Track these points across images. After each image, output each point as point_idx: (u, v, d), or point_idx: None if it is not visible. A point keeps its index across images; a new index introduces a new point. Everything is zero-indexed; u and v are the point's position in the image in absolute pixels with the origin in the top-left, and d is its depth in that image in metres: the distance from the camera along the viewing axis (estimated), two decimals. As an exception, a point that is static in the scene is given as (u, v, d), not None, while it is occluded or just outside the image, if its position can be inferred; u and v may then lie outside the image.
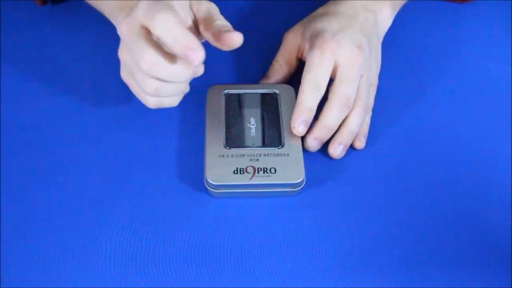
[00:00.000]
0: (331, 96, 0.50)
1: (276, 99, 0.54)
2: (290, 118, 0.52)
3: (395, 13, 0.57)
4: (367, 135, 0.53)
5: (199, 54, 0.41)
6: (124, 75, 0.48)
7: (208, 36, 0.46)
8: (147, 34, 0.44)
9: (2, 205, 0.48)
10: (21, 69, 0.58)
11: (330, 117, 0.50)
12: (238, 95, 0.54)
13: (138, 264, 0.45)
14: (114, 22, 0.52)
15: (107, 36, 0.61)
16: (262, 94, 0.54)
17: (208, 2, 0.47)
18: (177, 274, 0.44)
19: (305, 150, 0.51)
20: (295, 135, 0.50)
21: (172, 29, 0.41)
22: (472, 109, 0.56)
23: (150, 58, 0.43)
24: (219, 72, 0.58)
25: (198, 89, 0.55)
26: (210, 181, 0.47)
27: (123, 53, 0.47)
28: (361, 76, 0.51)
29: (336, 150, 0.51)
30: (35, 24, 0.63)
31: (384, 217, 0.48)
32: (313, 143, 0.51)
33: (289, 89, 0.55)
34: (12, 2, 0.65)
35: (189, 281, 0.44)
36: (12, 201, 0.48)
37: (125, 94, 0.53)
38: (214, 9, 0.47)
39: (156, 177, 0.50)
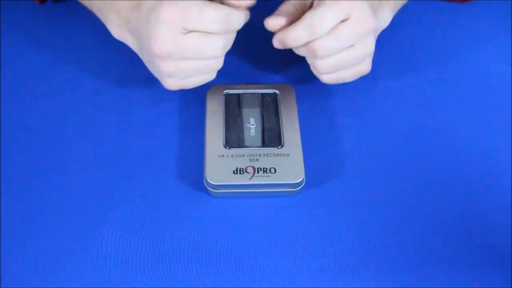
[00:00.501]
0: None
1: (276, 99, 0.54)
2: (290, 118, 0.52)
3: (394, 14, 0.57)
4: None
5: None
6: (177, 84, 0.49)
7: None
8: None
9: (2, 205, 0.48)
10: (21, 69, 0.58)
11: (320, 23, 0.47)
12: (238, 95, 0.54)
13: (138, 264, 0.45)
14: (105, 24, 0.52)
15: (107, 35, 0.61)
16: (262, 94, 0.54)
17: None
18: (177, 274, 0.44)
19: (305, 150, 0.51)
20: (295, 135, 0.50)
21: (215, 11, 0.44)
22: (472, 109, 0.56)
23: (213, 14, 0.44)
24: (219, 72, 0.58)
25: (198, 89, 0.55)
26: (210, 181, 0.47)
27: (173, 67, 0.47)
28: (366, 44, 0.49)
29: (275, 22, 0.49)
30: (35, 24, 0.63)
31: (384, 217, 0.48)
32: (278, 37, 0.49)
33: (289, 89, 0.55)
34: (12, 2, 0.65)
35: (189, 281, 0.44)
36: (12, 201, 0.48)
37: (125, 94, 0.54)
38: None
39: (156, 177, 0.50)
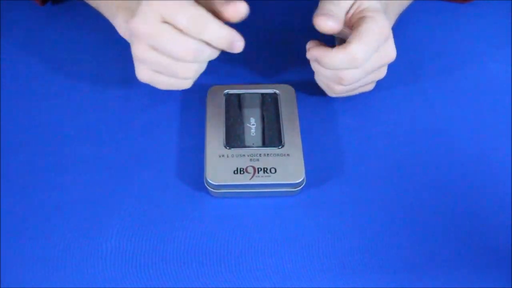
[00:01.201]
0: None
1: (276, 99, 0.54)
2: (290, 118, 0.52)
3: (396, 18, 0.57)
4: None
5: (243, 42, 0.44)
6: (146, 75, 0.48)
7: (211, 8, 0.45)
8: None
9: (2, 205, 0.48)
10: (21, 69, 0.58)
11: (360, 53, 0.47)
12: (238, 95, 0.54)
13: (138, 264, 0.45)
14: (112, 22, 0.52)
15: (107, 35, 0.61)
16: (262, 94, 0.54)
17: None
18: (177, 274, 0.44)
19: (305, 150, 0.51)
20: (295, 135, 0.50)
21: (214, 29, 0.44)
22: (472, 109, 0.56)
23: (193, 13, 0.43)
24: (219, 72, 0.58)
25: (198, 89, 0.55)
26: (210, 181, 0.47)
27: (143, 52, 0.46)
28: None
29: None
30: (35, 24, 0.63)
31: (384, 217, 0.48)
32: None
33: (289, 89, 0.55)
34: (12, 2, 0.65)
35: (189, 281, 0.44)
36: (12, 201, 0.48)
37: (125, 94, 0.54)
38: None
39: (156, 177, 0.50)
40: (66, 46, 0.61)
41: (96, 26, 0.62)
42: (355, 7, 0.50)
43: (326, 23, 0.48)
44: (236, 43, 0.45)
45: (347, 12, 0.50)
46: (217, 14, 0.45)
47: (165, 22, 0.44)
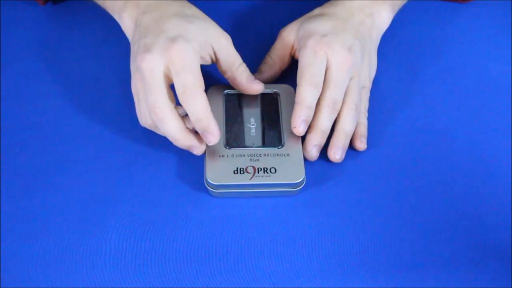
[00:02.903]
0: (319, 100, 0.50)
1: (276, 99, 0.54)
2: (290, 118, 0.52)
3: (394, 14, 0.57)
4: (366, 136, 0.53)
5: (216, 138, 0.47)
6: (133, 89, 0.50)
7: (229, 80, 0.51)
8: (167, 80, 0.47)
9: (2, 205, 0.48)
10: (21, 69, 0.58)
11: (322, 120, 0.50)
12: (238, 95, 0.54)
13: (138, 264, 0.45)
14: (116, 17, 0.52)
15: (107, 35, 0.61)
16: (262, 94, 0.54)
17: (227, 40, 0.50)
18: (177, 274, 0.44)
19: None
20: (295, 135, 0.50)
21: (197, 106, 0.46)
22: (472, 109, 0.56)
23: (160, 109, 0.46)
24: (219, 72, 0.58)
25: (198, 89, 0.55)
26: (210, 181, 0.47)
27: (135, 80, 0.49)
28: (351, 78, 0.51)
29: (337, 153, 0.50)
30: (35, 24, 0.63)
31: (384, 217, 0.48)
32: (313, 150, 0.50)
33: (289, 89, 0.55)
34: (12, 2, 0.65)
35: (189, 281, 0.44)
36: (12, 201, 0.48)
37: (125, 94, 0.53)
38: (232, 50, 0.50)
39: (156, 177, 0.50)
40: (66, 46, 0.61)
41: (96, 26, 0.62)
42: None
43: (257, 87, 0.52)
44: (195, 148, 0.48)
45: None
46: (237, 85, 0.51)
47: (166, 74, 0.47)
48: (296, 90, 0.50)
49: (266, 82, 0.55)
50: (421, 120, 0.55)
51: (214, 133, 0.46)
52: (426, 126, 0.55)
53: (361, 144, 0.52)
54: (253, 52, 0.59)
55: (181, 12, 0.49)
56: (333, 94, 0.50)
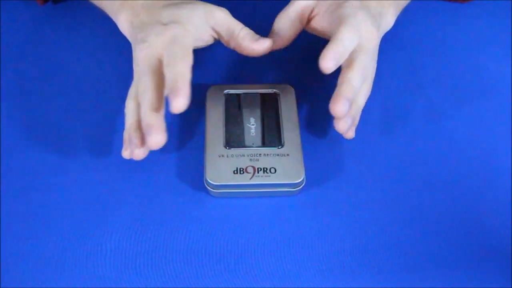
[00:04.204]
0: (353, 63, 0.47)
1: (276, 99, 0.54)
2: (290, 118, 0.52)
3: (397, 16, 0.57)
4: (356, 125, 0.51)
5: (184, 100, 0.42)
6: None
7: (236, 48, 0.49)
8: (160, 68, 0.45)
9: (2, 205, 0.48)
10: (21, 69, 0.58)
11: (355, 77, 0.47)
12: (238, 95, 0.54)
13: (138, 264, 0.45)
14: (113, 19, 0.53)
15: (107, 35, 0.61)
16: (262, 94, 0.54)
17: (223, 12, 0.49)
18: (177, 274, 0.44)
19: (305, 150, 0.51)
20: (295, 135, 0.50)
21: (177, 69, 0.43)
22: (472, 109, 0.56)
23: (149, 97, 0.44)
24: (219, 72, 0.58)
25: (198, 89, 0.55)
26: (210, 181, 0.47)
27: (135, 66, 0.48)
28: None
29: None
30: (35, 24, 0.63)
31: (384, 217, 0.48)
32: (345, 105, 0.45)
33: (289, 89, 0.55)
34: (12, 2, 0.65)
35: (189, 281, 0.44)
36: (12, 201, 0.48)
37: (125, 94, 0.53)
38: (230, 19, 0.49)
39: (156, 177, 0.50)
40: (66, 46, 0.61)
41: (96, 26, 0.62)
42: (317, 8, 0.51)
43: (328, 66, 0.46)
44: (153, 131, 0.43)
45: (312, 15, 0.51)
46: (239, 48, 0.49)
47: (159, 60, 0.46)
48: (335, 33, 0.46)
49: (275, 50, 0.51)
50: (421, 120, 0.55)
51: (183, 94, 0.42)
52: (426, 126, 0.55)
53: (351, 133, 0.49)
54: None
55: (172, 2, 0.49)
56: (365, 60, 0.48)
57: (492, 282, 0.44)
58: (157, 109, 0.44)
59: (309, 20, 0.53)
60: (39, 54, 0.60)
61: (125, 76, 0.52)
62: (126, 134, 0.47)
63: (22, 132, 0.53)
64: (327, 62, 0.44)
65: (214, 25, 0.49)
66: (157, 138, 0.42)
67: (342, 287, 0.44)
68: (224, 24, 0.49)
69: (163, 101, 0.45)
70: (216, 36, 0.50)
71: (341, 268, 0.45)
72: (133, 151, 0.45)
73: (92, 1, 0.56)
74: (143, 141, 0.45)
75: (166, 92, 0.43)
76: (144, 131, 0.43)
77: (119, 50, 0.59)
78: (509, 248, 0.46)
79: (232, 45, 0.50)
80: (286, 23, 0.52)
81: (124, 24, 0.51)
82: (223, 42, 0.50)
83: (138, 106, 0.46)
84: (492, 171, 0.51)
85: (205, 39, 0.49)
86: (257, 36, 0.49)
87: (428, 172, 0.51)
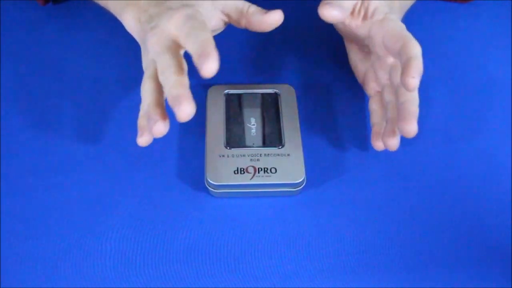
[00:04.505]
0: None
1: (276, 99, 0.54)
2: (290, 118, 0.52)
3: (402, 18, 0.56)
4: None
5: (193, 108, 0.41)
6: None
7: (247, 25, 0.48)
8: (176, 48, 0.44)
9: (2, 205, 0.48)
10: (21, 69, 0.58)
11: (416, 93, 0.47)
12: (238, 95, 0.54)
13: (138, 264, 0.45)
14: (120, 18, 0.52)
15: (107, 36, 0.61)
16: (262, 94, 0.54)
17: None
18: (177, 274, 0.44)
19: (305, 150, 0.51)
20: (295, 135, 0.50)
21: (201, 37, 0.42)
22: (472, 109, 0.56)
23: (174, 71, 0.43)
24: (219, 72, 0.58)
25: (198, 89, 0.55)
26: (210, 181, 0.47)
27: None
28: None
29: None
30: (35, 24, 0.63)
31: (384, 217, 0.48)
32: (416, 125, 0.45)
33: (289, 89, 0.55)
34: (12, 2, 0.65)
35: (189, 281, 0.44)
36: (12, 201, 0.48)
37: (126, 94, 0.53)
38: (238, 2, 0.48)
39: (156, 177, 0.50)
40: (66, 46, 0.61)
41: (97, 26, 0.62)
42: (364, 5, 0.50)
43: (330, 12, 0.47)
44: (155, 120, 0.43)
45: (357, 10, 0.50)
46: (251, 24, 0.48)
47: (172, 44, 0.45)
48: (410, 44, 0.46)
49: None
50: (421, 120, 0.55)
51: (214, 58, 0.41)
52: (426, 126, 0.55)
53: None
54: (254, 52, 0.59)
55: None
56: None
57: (492, 282, 0.44)
58: (183, 82, 0.42)
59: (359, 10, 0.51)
60: (39, 54, 0.60)
61: (126, 76, 0.52)
62: (142, 119, 0.45)
63: (22, 131, 0.53)
64: (416, 81, 0.45)
65: (222, 8, 0.49)
66: (187, 108, 0.40)
67: (342, 287, 0.44)
68: (232, 4, 0.48)
69: (187, 77, 0.43)
70: (226, 19, 0.49)
71: (341, 268, 0.45)
72: (152, 128, 0.43)
73: (97, 1, 0.56)
74: (165, 116, 0.43)
75: (194, 59, 0.41)
76: (171, 104, 0.41)
77: (120, 50, 0.59)
78: (509, 248, 0.46)
79: (243, 23, 0.49)
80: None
81: (131, 22, 0.50)
82: (233, 23, 0.50)
83: (157, 86, 0.44)
84: (492, 171, 0.51)
85: (214, 24, 0.49)
86: (266, 10, 0.48)
87: (428, 172, 0.51)
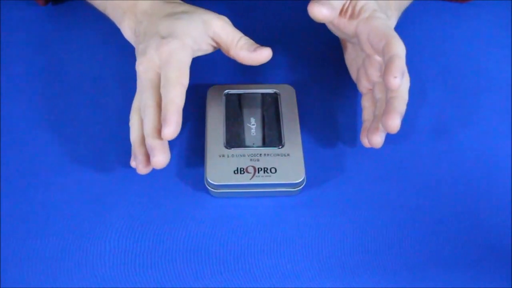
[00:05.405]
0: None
1: (276, 99, 0.54)
2: (290, 118, 0.52)
3: (398, 17, 0.57)
4: None
5: (173, 129, 0.44)
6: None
7: (235, 57, 0.49)
8: (158, 83, 0.47)
9: (2, 205, 0.48)
10: (21, 69, 0.58)
11: (405, 88, 0.47)
12: (238, 95, 0.54)
13: (138, 264, 0.45)
14: (118, 26, 0.53)
15: (107, 36, 0.61)
16: (262, 94, 0.54)
17: (221, 21, 0.49)
18: (177, 274, 0.44)
19: (305, 150, 0.51)
20: (295, 135, 0.50)
21: (171, 96, 0.45)
22: (472, 109, 0.56)
23: (151, 117, 0.45)
24: (219, 72, 0.59)
25: (198, 89, 0.55)
26: (210, 181, 0.47)
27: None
28: None
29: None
30: (35, 24, 0.63)
31: (384, 217, 0.48)
32: (399, 120, 0.45)
33: (289, 89, 0.55)
34: (12, 2, 0.65)
35: (189, 281, 0.44)
36: (12, 201, 0.48)
37: (126, 94, 0.53)
38: (229, 28, 0.49)
39: (156, 177, 0.50)
40: (66, 46, 0.61)
41: (97, 26, 0.62)
42: (352, 4, 0.49)
43: (320, 10, 0.47)
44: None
45: (344, 8, 0.49)
46: (244, 57, 0.49)
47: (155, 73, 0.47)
48: (389, 43, 0.46)
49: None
50: (421, 120, 0.55)
51: (172, 123, 0.44)
52: (426, 126, 0.55)
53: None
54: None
55: (172, 12, 0.49)
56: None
57: (492, 282, 0.44)
58: (158, 130, 0.45)
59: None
60: (39, 55, 0.60)
61: (126, 76, 0.52)
62: (133, 147, 0.48)
63: (22, 131, 0.53)
64: (398, 80, 0.44)
65: (213, 35, 0.49)
66: (160, 159, 0.44)
67: (342, 287, 0.44)
68: (222, 33, 0.49)
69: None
70: (215, 45, 0.50)
71: (341, 268, 0.45)
72: (137, 165, 0.46)
73: (97, 7, 0.56)
74: (147, 157, 0.46)
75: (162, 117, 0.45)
76: (148, 150, 0.45)
77: (120, 50, 0.59)
78: (509, 248, 0.46)
79: (231, 54, 0.50)
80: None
81: (127, 31, 0.52)
82: (222, 51, 0.51)
83: (141, 120, 0.47)
84: (492, 171, 0.51)
85: (204, 48, 0.49)
86: (256, 45, 0.49)
87: (428, 172, 0.51)
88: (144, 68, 0.47)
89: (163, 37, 0.47)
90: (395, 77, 0.43)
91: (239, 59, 0.49)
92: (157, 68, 0.47)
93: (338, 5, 0.48)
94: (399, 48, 0.45)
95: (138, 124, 0.47)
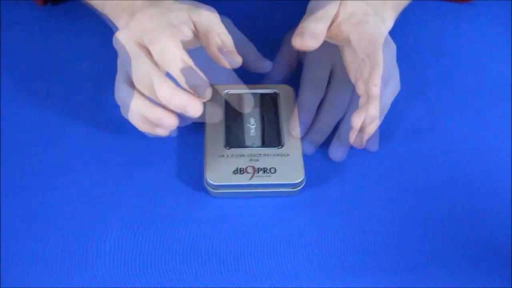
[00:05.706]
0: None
1: (276, 99, 0.54)
2: (289, 118, 0.52)
3: (396, 16, 0.56)
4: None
5: (199, 107, 0.42)
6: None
7: (208, 51, 0.46)
8: (144, 50, 0.45)
9: (2, 205, 0.48)
10: (21, 69, 0.58)
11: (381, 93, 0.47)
12: (238, 95, 0.54)
13: (138, 264, 0.45)
14: (116, 24, 0.53)
15: (107, 36, 0.61)
16: (262, 94, 0.54)
17: (208, 12, 0.47)
18: (177, 274, 0.44)
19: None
20: (295, 135, 0.50)
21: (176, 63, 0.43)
22: (472, 109, 0.56)
23: (147, 74, 0.43)
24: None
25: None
26: (210, 181, 0.47)
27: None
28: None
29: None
30: (35, 24, 0.63)
31: (384, 217, 0.48)
32: (360, 120, 0.47)
33: (289, 89, 0.55)
34: (12, 2, 0.65)
35: (188, 281, 0.44)
36: (12, 201, 0.48)
37: (125, 94, 0.53)
38: (213, 20, 0.46)
39: (156, 177, 0.50)
40: (66, 46, 0.61)
41: (96, 27, 0.62)
42: (341, 13, 0.49)
43: (304, 43, 0.46)
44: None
45: (333, 21, 0.49)
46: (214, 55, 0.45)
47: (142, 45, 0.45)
48: (375, 51, 0.46)
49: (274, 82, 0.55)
50: (421, 120, 0.55)
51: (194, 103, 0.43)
52: (426, 126, 0.55)
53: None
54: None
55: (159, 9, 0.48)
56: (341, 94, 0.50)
57: (492, 282, 0.44)
58: (179, 91, 0.43)
59: (300, 58, 0.54)
60: (39, 54, 0.60)
61: (125, 76, 0.52)
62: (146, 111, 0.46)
63: (22, 132, 0.53)
64: (377, 89, 0.45)
65: (195, 20, 0.46)
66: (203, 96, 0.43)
67: (342, 287, 0.44)
68: (206, 21, 0.46)
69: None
70: (195, 31, 0.47)
71: (341, 268, 0.45)
72: (163, 120, 0.44)
73: (95, 7, 0.56)
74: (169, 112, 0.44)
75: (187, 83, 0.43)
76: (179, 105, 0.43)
77: (119, 50, 0.58)
78: (509, 248, 0.46)
79: (204, 44, 0.46)
80: (279, 66, 0.54)
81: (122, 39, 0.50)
82: (198, 39, 0.47)
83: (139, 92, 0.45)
84: (492, 171, 0.51)
85: (185, 32, 0.46)
86: (230, 48, 0.45)
87: (428, 172, 0.51)
88: (126, 36, 0.45)
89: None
90: (375, 85, 0.45)
91: (208, 52, 0.46)
92: (139, 39, 0.45)
93: (323, 30, 0.47)
94: (380, 58, 0.46)
95: (138, 93, 0.45)
